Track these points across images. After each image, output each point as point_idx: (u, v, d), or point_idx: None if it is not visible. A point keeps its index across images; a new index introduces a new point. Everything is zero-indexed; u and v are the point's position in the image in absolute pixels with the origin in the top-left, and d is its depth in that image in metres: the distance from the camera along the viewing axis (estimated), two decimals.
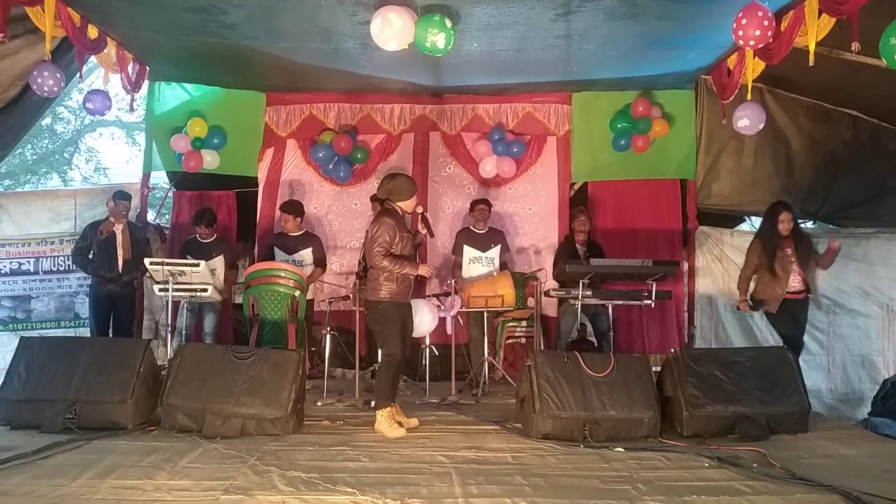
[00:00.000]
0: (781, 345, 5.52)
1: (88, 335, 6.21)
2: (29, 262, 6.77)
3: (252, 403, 4.15)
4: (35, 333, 6.43)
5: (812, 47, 4.44)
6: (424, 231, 4.72)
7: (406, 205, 4.44)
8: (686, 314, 6.98)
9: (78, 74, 5.93)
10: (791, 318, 5.49)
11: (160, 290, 5.33)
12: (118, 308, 6.07)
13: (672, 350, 4.64)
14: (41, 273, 6.78)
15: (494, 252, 6.38)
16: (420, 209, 4.67)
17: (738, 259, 6.71)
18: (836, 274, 6.41)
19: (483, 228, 6.44)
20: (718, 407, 4.23)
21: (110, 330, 6.05)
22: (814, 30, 4.43)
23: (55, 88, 5.07)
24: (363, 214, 7.04)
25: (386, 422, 4.25)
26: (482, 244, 6.38)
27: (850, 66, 5.06)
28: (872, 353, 6.31)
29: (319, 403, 5.14)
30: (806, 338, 6.46)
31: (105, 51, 5.72)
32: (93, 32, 5.44)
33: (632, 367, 4.34)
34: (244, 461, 3.54)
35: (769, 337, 6.49)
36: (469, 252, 6.37)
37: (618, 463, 3.64)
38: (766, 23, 4.36)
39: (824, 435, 4.33)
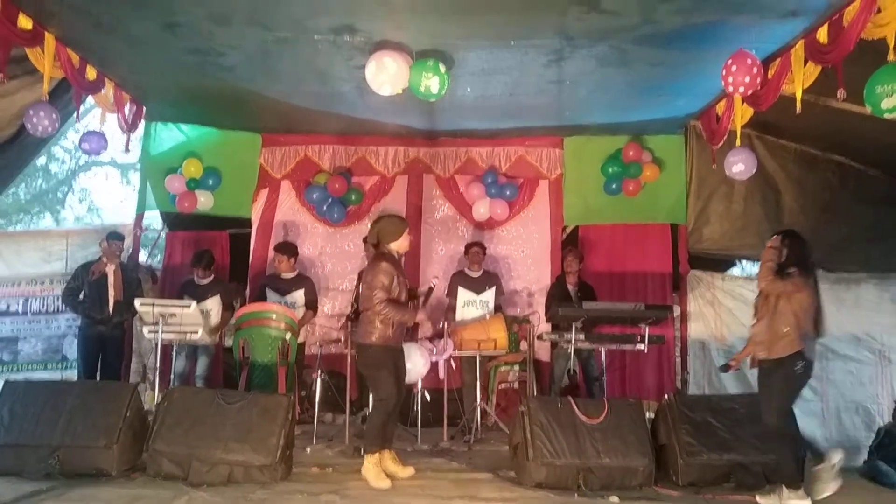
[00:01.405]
0: None
1: (76, 377, 6.11)
2: (18, 302, 6.70)
3: (240, 450, 4.07)
4: (21, 376, 6.32)
5: (799, 94, 4.53)
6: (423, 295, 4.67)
7: (397, 245, 4.39)
8: (678, 359, 6.94)
9: (74, 114, 5.96)
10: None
11: (150, 331, 5.28)
12: (107, 350, 5.97)
13: (666, 396, 4.59)
14: (30, 314, 6.70)
15: (489, 295, 6.35)
16: (434, 282, 4.77)
17: (729, 303, 6.71)
18: (828, 318, 6.38)
19: (478, 271, 6.43)
20: (713, 455, 4.19)
21: (98, 372, 5.95)
22: (800, 77, 4.52)
23: (50, 129, 5.07)
24: (356, 256, 7.03)
25: (373, 469, 4.15)
26: (476, 287, 6.36)
27: (837, 113, 5.14)
28: (866, 399, 6.25)
29: (308, 450, 5.04)
30: None
31: (102, 91, 5.76)
32: (91, 73, 5.48)
33: (626, 413, 4.30)
34: None
35: None
36: (463, 295, 6.35)
37: None
38: (754, 70, 4.46)
39: None
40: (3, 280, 6.66)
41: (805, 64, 4.48)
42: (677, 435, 4.24)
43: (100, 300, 5.90)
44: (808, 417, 6.14)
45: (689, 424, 4.28)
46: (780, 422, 3.93)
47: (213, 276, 6.28)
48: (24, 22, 4.55)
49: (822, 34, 4.24)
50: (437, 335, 5.86)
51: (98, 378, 5.87)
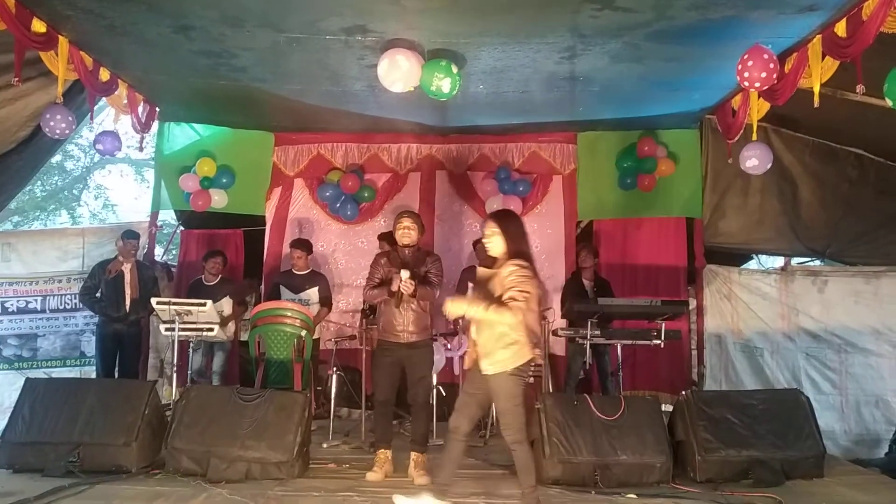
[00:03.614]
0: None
1: (94, 374, 6.19)
2: (36, 300, 6.77)
3: (257, 447, 4.11)
4: (40, 372, 6.39)
5: (817, 89, 4.46)
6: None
7: (396, 237, 4.51)
8: (695, 353, 6.90)
9: (88, 115, 5.99)
10: None
11: (166, 329, 5.33)
12: (124, 347, 6.04)
13: (683, 392, 4.58)
14: (48, 311, 6.77)
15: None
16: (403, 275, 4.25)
17: (746, 297, 6.67)
18: (847, 312, 6.36)
19: None
20: (731, 451, 4.17)
21: (116, 369, 6.02)
22: (818, 72, 4.45)
23: (67, 131, 5.11)
24: (370, 252, 6.97)
25: (374, 461, 4.31)
26: None
27: (855, 107, 5.08)
28: (886, 392, 6.20)
29: (325, 445, 5.09)
30: (818, 377, 6.41)
31: (116, 92, 5.79)
32: (104, 75, 5.51)
33: (642, 410, 4.29)
34: None
35: (780, 377, 6.41)
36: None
37: None
38: (770, 65, 4.39)
39: (841, 480, 4.25)
40: (22, 278, 6.73)
41: (823, 58, 4.40)
42: (695, 431, 4.22)
43: (116, 298, 5.96)
44: (828, 411, 6.11)
45: (707, 421, 4.27)
46: (521, 436, 3.38)
47: (220, 275, 6.34)
48: (38, 26, 4.57)
49: (841, 28, 4.18)
50: (452, 332, 5.85)
51: (116, 375, 5.94)
